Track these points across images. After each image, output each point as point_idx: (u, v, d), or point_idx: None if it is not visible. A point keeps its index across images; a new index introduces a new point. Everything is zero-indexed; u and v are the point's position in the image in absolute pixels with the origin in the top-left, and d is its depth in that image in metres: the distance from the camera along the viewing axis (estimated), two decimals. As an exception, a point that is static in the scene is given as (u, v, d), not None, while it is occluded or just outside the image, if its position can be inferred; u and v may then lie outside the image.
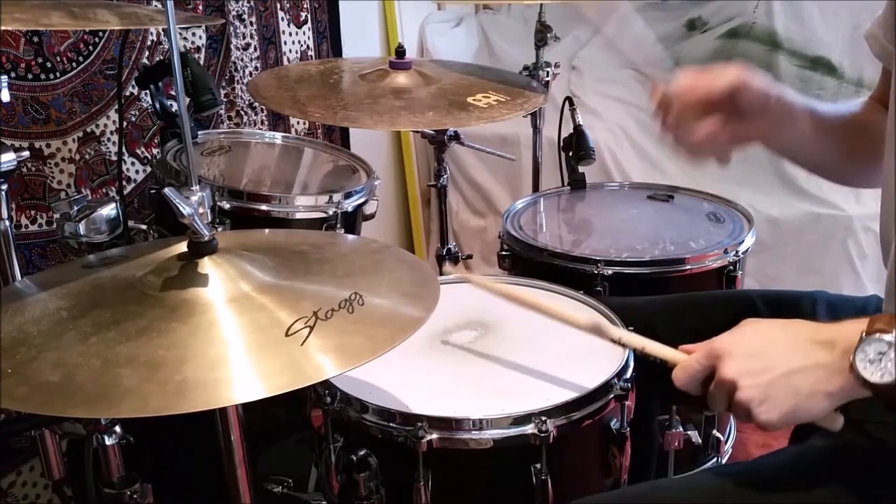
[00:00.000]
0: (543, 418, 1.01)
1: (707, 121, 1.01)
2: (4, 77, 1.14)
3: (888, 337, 0.79)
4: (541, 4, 1.82)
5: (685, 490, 0.99)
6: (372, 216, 1.60)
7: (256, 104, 2.11)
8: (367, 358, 0.79)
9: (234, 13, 2.02)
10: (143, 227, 1.45)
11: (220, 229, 1.37)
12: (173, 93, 0.93)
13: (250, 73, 2.08)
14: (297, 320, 0.80)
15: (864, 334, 0.80)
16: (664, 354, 0.97)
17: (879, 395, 0.80)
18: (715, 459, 1.55)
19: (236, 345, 0.79)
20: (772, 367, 0.83)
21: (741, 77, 1.01)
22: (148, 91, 1.58)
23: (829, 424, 0.85)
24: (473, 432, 1.02)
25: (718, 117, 1.02)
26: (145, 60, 1.79)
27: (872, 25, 1.09)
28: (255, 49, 2.10)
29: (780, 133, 1.07)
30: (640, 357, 1.04)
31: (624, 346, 1.07)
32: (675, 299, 1.36)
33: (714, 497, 0.95)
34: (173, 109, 1.51)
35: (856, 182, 1.31)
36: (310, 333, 0.79)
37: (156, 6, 1.73)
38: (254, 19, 2.09)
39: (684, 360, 0.91)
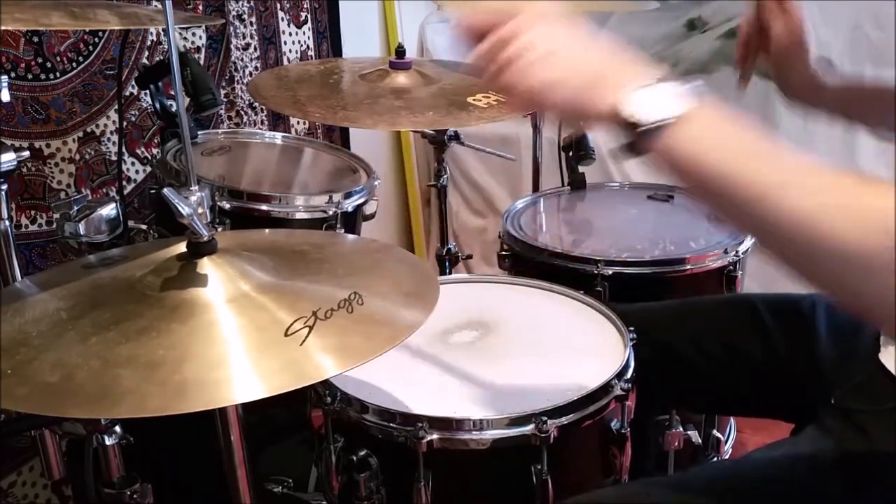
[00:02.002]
0: (544, 418, 1.01)
1: None
2: (4, 77, 1.14)
3: (680, 84, 0.69)
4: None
5: (681, 486, 1.00)
6: (372, 216, 1.59)
7: (256, 104, 2.11)
8: (367, 358, 0.79)
9: (234, 13, 2.02)
10: (143, 227, 1.45)
11: (219, 229, 1.37)
12: (173, 93, 0.93)
13: (250, 73, 2.08)
14: (296, 320, 0.80)
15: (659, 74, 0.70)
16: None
17: (628, 134, 0.69)
18: (715, 460, 1.55)
19: (236, 345, 0.79)
20: (567, 45, 0.73)
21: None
22: (148, 91, 1.58)
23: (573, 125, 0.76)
24: (474, 432, 1.01)
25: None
26: (145, 60, 1.79)
27: None
28: (255, 49, 2.10)
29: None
30: None
31: None
32: (677, 304, 1.36)
33: (710, 492, 0.95)
34: (173, 109, 1.51)
35: None
36: (309, 333, 0.79)
37: (156, 6, 1.73)
38: (254, 19, 2.09)
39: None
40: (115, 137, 1.71)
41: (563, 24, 0.74)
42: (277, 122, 2.20)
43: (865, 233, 0.62)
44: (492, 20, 0.75)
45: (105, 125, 1.72)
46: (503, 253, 1.63)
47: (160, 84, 1.53)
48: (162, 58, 1.79)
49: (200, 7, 1.91)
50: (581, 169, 1.84)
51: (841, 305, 0.79)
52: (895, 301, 0.61)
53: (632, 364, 1.13)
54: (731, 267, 1.52)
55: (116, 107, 1.68)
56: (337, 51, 2.37)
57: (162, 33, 1.78)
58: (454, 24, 0.78)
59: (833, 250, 0.63)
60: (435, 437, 1.01)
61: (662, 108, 0.68)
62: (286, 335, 0.79)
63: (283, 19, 2.18)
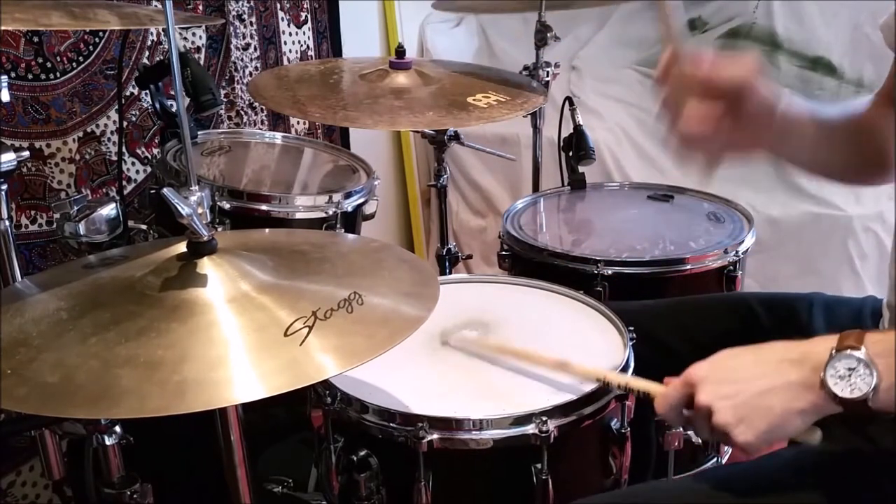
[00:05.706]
0: (544, 418, 1.01)
1: (703, 105, 0.97)
2: (4, 77, 1.14)
3: (858, 353, 0.79)
4: (541, 3, 1.81)
5: (684, 490, 0.99)
6: (372, 216, 1.60)
7: (256, 104, 2.11)
8: (366, 358, 0.79)
9: (234, 13, 2.02)
10: (143, 227, 1.45)
11: (219, 229, 1.37)
12: (173, 93, 0.93)
13: (250, 73, 2.08)
14: (296, 320, 0.80)
15: (833, 350, 0.81)
16: (645, 388, 0.99)
17: (853, 411, 0.80)
18: (715, 459, 1.55)
19: (235, 345, 0.79)
20: (744, 390, 0.85)
21: (752, 77, 0.98)
22: (148, 91, 1.58)
23: (807, 438, 0.86)
24: (474, 432, 1.01)
25: (717, 107, 0.97)
26: (145, 60, 1.79)
27: (889, 16, 1.07)
28: (255, 49, 2.10)
29: (780, 145, 1.07)
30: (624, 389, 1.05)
31: (607, 384, 1.06)
32: (675, 303, 1.36)
33: (713, 498, 0.95)
34: (173, 109, 1.51)
35: (859, 181, 1.28)
36: (309, 333, 0.79)
37: (156, 6, 1.73)
38: (254, 19, 2.09)
39: (663, 390, 0.93)
40: (115, 137, 1.71)
41: (722, 372, 0.88)
42: (277, 122, 2.20)
43: None
44: (679, 400, 0.90)
45: (105, 125, 1.72)
46: (503, 253, 1.63)
47: (160, 84, 1.53)
48: (162, 58, 1.79)
49: (200, 7, 1.92)
50: (581, 169, 1.85)
51: None
52: None
53: (632, 364, 1.13)
54: (731, 267, 1.52)
55: (116, 107, 1.68)
56: (337, 51, 2.37)
57: (162, 33, 1.78)
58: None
59: None
60: (435, 437, 1.01)
61: (858, 386, 0.80)
62: (286, 335, 0.79)
63: (283, 19, 2.18)
